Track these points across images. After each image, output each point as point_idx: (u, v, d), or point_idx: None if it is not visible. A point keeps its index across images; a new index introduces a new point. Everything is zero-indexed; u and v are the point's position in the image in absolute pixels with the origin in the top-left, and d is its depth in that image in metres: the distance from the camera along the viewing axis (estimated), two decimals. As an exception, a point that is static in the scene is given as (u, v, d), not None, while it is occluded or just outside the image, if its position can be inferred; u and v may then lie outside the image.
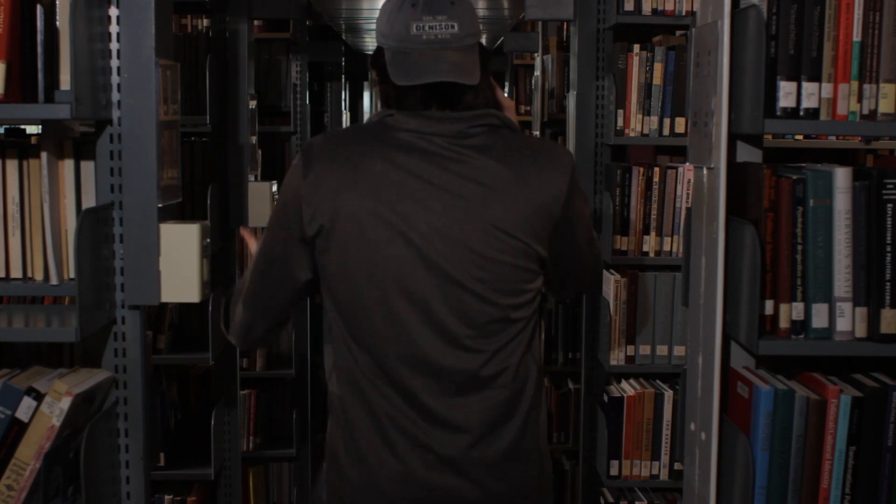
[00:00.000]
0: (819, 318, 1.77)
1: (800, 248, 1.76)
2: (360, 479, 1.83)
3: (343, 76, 6.18)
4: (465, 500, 1.80)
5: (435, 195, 1.76)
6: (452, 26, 1.79)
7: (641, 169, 3.09)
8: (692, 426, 1.95)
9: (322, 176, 1.77)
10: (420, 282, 1.76)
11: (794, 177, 1.76)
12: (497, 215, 1.77)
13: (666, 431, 3.11)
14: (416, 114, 1.80)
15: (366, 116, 8.33)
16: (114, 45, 1.94)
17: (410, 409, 1.78)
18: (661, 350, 3.13)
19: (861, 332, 1.77)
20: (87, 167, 2.00)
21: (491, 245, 1.77)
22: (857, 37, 1.74)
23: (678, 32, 3.31)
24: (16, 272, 2.02)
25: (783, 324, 1.77)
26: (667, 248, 3.11)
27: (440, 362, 1.77)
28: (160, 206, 1.99)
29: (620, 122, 3.12)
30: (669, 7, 3.06)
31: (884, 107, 1.74)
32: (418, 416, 1.78)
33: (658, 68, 3.09)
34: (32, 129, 2.82)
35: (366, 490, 1.82)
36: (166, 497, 3.34)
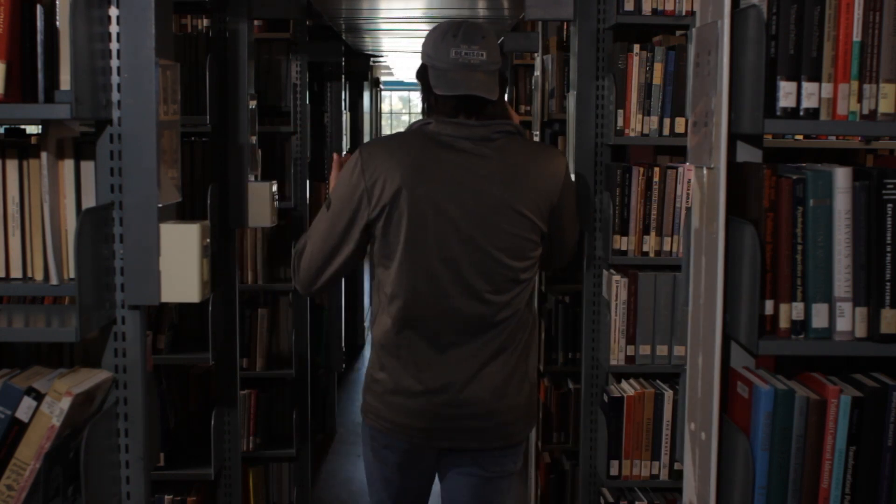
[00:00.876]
0: (819, 318, 1.77)
1: (800, 248, 1.76)
2: (400, 400, 2.44)
3: (343, 76, 6.18)
4: (474, 412, 2.43)
5: (466, 185, 2.38)
6: (482, 55, 2.40)
7: (641, 169, 3.09)
8: (692, 426, 1.95)
9: (379, 172, 2.36)
10: (454, 249, 2.37)
11: (794, 177, 1.76)
12: (512, 200, 2.39)
13: (666, 431, 3.11)
14: (449, 122, 2.40)
15: (366, 116, 8.35)
16: (114, 45, 1.95)
17: (431, 348, 2.42)
18: (661, 350, 3.13)
19: (861, 332, 1.77)
20: (87, 167, 2.00)
21: (508, 222, 2.39)
22: (857, 37, 1.74)
23: (678, 32, 3.31)
24: (16, 272, 2.02)
25: (783, 324, 1.77)
26: (667, 248, 3.11)
27: (463, 310, 2.40)
28: (160, 206, 1.99)
29: (620, 122, 3.12)
30: (669, 7, 3.06)
31: (884, 107, 1.74)
32: (437, 352, 2.41)
33: (658, 68, 3.09)
34: (32, 129, 2.82)
35: (405, 408, 2.44)
36: (166, 497, 3.34)
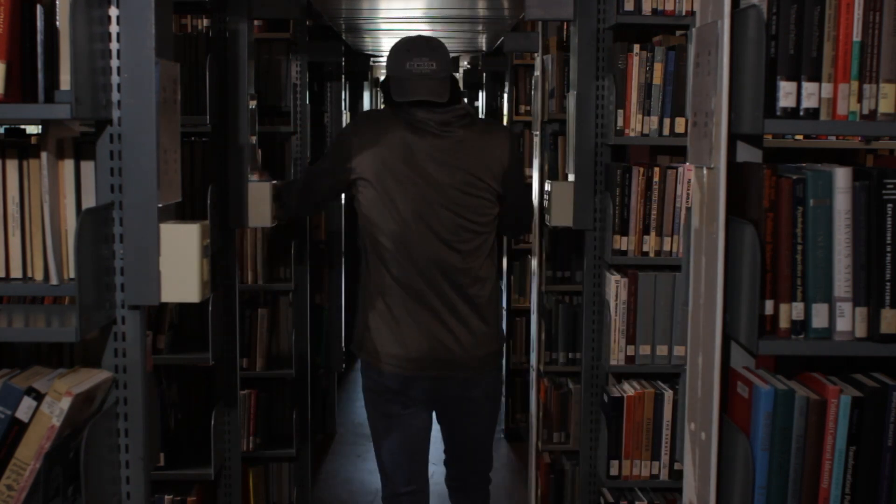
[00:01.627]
0: (819, 318, 1.77)
1: (800, 248, 1.76)
2: (390, 348, 2.91)
3: (343, 76, 6.18)
4: (453, 348, 2.92)
5: (433, 156, 2.90)
6: (432, 65, 2.90)
7: (641, 169, 3.09)
8: (692, 426, 1.95)
9: (365, 140, 2.90)
10: (427, 208, 2.89)
11: (794, 177, 1.76)
12: (470, 167, 2.92)
13: (666, 431, 3.11)
14: (418, 110, 2.90)
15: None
16: (114, 45, 1.94)
17: (411, 294, 2.90)
18: (661, 350, 3.13)
19: (861, 332, 1.77)
20: (87, 167, 2.00)
21: (468, 185, 2.91)
22: (857, 37, 1.74)
23: (678, 32, 3.31)
24: (16, 272, 2.02)
25: (783, 324, 1.77)
26: (667, 248, 3.11)
27: (436, 256, 2.90)
28: (160, 206, 1.99)
29: (620, 122, 3.12)
30: (669, 7, 3.06)
31: (884, 107, 1.74)
32: (417, 297, 2.89)
33: (658, 68, 3.09)
34: (32, 129, 2.82)
35: (395, 356, 2.91)
36: (166, 497, 3.34)
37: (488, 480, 3.22)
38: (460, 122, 2.94)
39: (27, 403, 1.84)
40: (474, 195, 2.92)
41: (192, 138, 3.33)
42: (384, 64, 9.38)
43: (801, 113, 1.75)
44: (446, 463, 3.21)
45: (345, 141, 2.96)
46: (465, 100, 3.19)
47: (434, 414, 3.08)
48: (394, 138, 2.88)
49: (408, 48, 2.91)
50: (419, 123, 2.89)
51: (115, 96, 1.95)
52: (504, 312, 5.75)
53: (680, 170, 3.10)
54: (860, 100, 1.75)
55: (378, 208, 2.89)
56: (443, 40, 3.08)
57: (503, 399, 5.82)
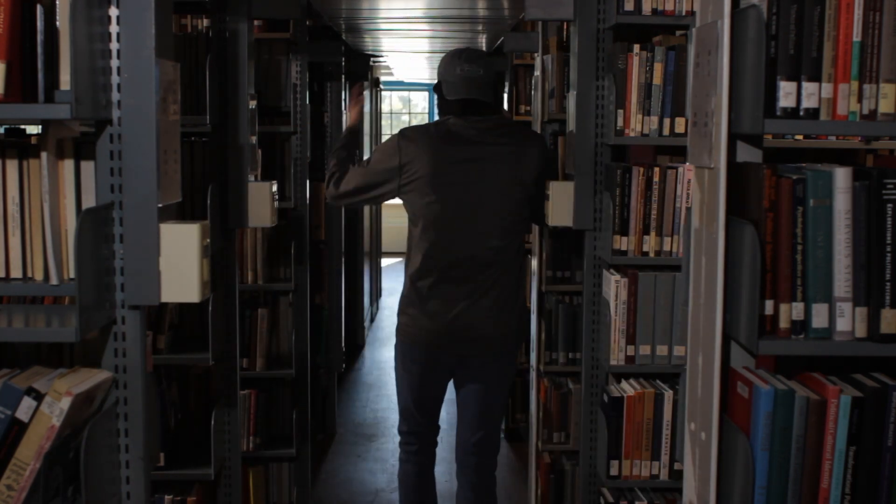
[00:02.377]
0: (819, 318, 1.77)
1: (800, 248, 1.76)
2: (423, 321, 3.32)
3: (343, 76, 6.18)
4: (476, 328, 3.31)
5: (478, 162, 3.29)
6: (479, 71, 3.33)
7: (641, 169, 3.09)
8: (692, 426, 1.95)
9: (414, 151, 3.27)
10: (471, 208, 3.27)
11: (794, 177, 1.76)
12: (507, 173, 3.29)
13: (666, 431, 3.11)
14: (462, 119, 3.32)
15: (366, 116, 8.36)
16: (114, 45, 1.94)
17: (447, 284, 3.30)
18: (661, 350, 3.13)
19: (861, 332, 1.77)
20: (87, 167, 2.00)
21: (509, 189, 3.29)
22: (857, 37, 1.74)
23: (678, 32, 3.31)
24: (16, 272, 2.02)
25: (783, 324, 1.77)
26: (667, 248, 3.11)
27: (473, 249, 3.28)
28: (160, 206, 1.99)
29: (620, 122, 3.12)
30: (669, 7, 3.06)
31: (884, 107, 1.74)
32: (453, 288, 3.30)
33: (658, 68, 3.09)
34: (32, 129, 2.82)
35: (426, 327, 3.32)
36: (166, 497, 3.34)
37: (494, 464, 3.55)
38: (499, 130, 3.32)
39: (27, 403, 1.84)
40: (509, 198, 3.29)
41: (192, 138, 3.33)
42: (384, 64, 9.42)
43: (801, 113, 1.75)
44: (458, 432, 3.53)
45: (393, 150, 3.30)
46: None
47: (452, 381, 3.50)
48: (441, 146, 3.28)
49: (459, 55, 3.35)
50: (463, 132, 3.30)
51: (115, 96, 1.95)
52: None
53: (680, 170, 3.10)
54: (860, 100, 1.75)
55: (426, 208, 3.28)
56: (443, 40, 3.20)
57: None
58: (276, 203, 3.36)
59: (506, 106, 5.82)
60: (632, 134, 3.12)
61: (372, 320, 8.91)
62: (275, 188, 3.35)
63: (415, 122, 8.86)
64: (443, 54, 3.51)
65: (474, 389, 3.43)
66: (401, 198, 3.34)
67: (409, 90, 13.57)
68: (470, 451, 3.49)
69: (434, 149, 3.26)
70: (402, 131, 3.35)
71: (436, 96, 3.50)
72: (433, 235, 3.28)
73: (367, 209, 8.40)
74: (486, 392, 3.43)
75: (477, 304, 3.29)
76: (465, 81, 3.30)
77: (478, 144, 3.28)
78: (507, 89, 5.81)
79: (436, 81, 3.47)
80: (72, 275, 1.98)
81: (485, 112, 3.33)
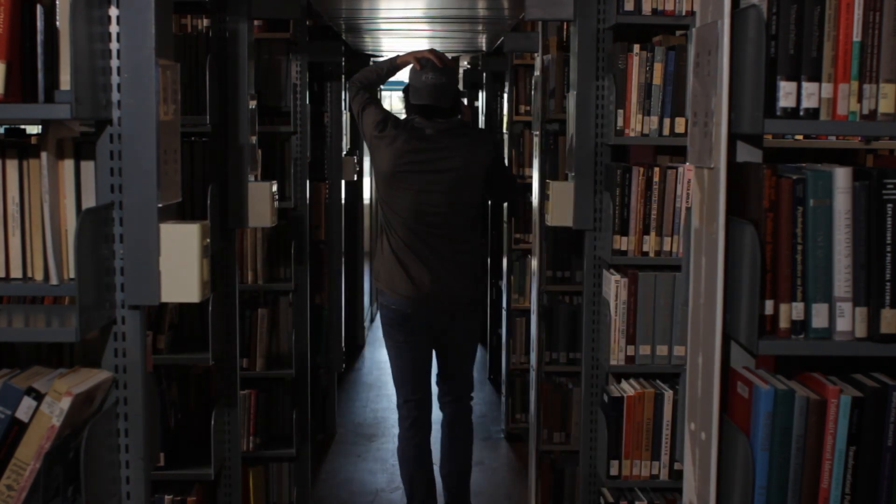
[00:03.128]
0: (819, 318, 1.77)
1: (800, 248, 1.76)
2: (399, 286, 3.95)
3: (343, 76, 6.18)
4: (441, 292, 3.94)
5: (435, 156, 3.92)
6: (442, 79, 3.92)
7: (641, 169, 3.09)
8: (692, 426, 1.95)
9: (392, 129, 3.95)
10: (429, 193, 3.91)
11: (794, 177, 1.76)
12: (465, 164, 3.94)
13: (666, 431, 3.11)
14: (429, 119, 3.96)
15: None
16: (114, 45, 1.94)
17: (415, 258, 3.92)
18: (661, 350, 3.13)
19: (861, 332, 1.77)
20: (87, 167, 2.00)
21: (464, 178, 3.94)
22: (857, 37, 1.74)
23: (678, 32, 3.30)
24: (16, 272, 2.02)
25: (783, 324, 1.77)
26: (667, 248, 3.11)
27: (433, 226, 3.92)
28: (160, 206, 1.99)
29: (620, 122, 3.12)
30: (669, 7, 3.06)
31: (884, 107, 1.74)
32: (419, 260, 3.92)
33: (658, 68, 3.09)
34: (32, 129, 2.82)
35: (402, 286, 3.94)
36: (166, 497, 3.34)
37: (470, 398, 4.23)
38: (456, 130, 4.01)
39: (27, 403, 1.84)
40: (463, 184, 3.95)
41: (192, 138, 3.33)
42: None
43: (801, 113, 1.75)
44: (438, 382, 4.20)
45: (385, 114, 4.03)
46: (466, 100, 4.43)
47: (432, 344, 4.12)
48: (407, 139, 3.93)
49: (423, 65, 3.95)
50: (425, 129, 3.95)
51: (115, 96, 1.95)
52: (504, 312, 5.76)
53: (680, 170, 3.10)
54: (860, 100, 1.75)
55: (392, 190, 3.94)
56: (443, 40, 3.21)
57: (503, 398, 5.83)
58: (276, 203, 3.36)
59: (505, 107, 5.84)
60: (632, 134, 3.12)
61: (372, 320, 8.90)
62: (275, 188, 3.35)
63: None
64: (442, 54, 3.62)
65: (446, 347, 4.12)
66: (369, 146, 4.06)
67: (409, 90, 13.58)
68: (449, 399, 4.19)
69: (403, 136, 3.94)
70: (389, 114, 4.04)
71: (403, 97, 4.09)
72: (400, 213, 3.94)
73: (367, 210, 8.41)
74: (456, 349, 4.12)
75: (442, 272, 3.95)
76: (428, 89, 3.90)
77: (435, 140, 3.94)
78: (507, 89, 5.82)
79: (406, 86, 4.06)
80: (72, 275, 1.98)
81: (448, 114, 3.97)
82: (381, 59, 4.38)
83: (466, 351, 4.15)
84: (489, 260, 6.72)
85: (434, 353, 4.14)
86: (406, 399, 4.11)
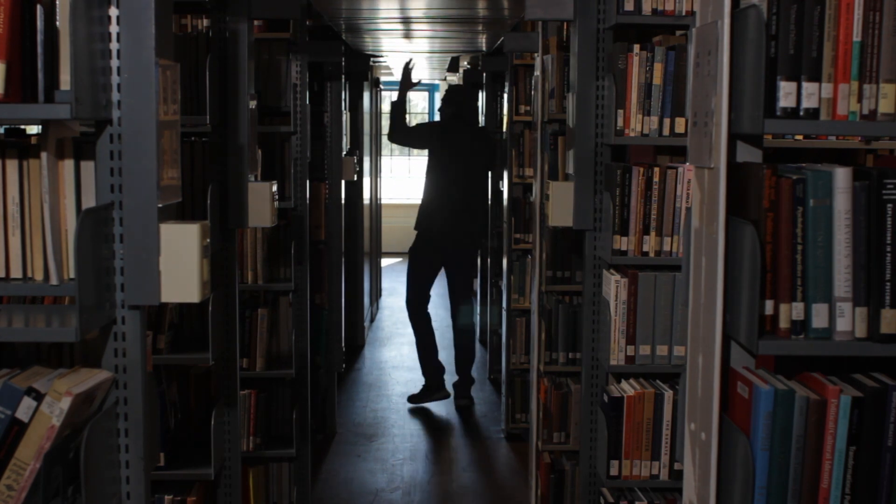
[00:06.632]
0: (819, 318, 1.77)
1: (800, 248, 1.76)
2: (434, 222, 6.33)
3: (343, 76, 6.18)
4: (455, 232, 6.33)
5: (461, 144, 6.31)
6: (463, 102, 6.53)
7: (641, 169, 3.09)
8: (692, 426, 1.95)
9: (432, 132, 6.47)
10: (458, 173, 6.28)
11: (794, 177, 1.76)
12: (476, 151, 6.38)
13: (666, 431, 3.11)
14: (456, 122, 6.44)
15: (366, 116, 8.41)
16: (114, 45, 1.94)
17: (444, 211, 6.29)
18: (661, 350, 3.13)
19: (861, 332, 1.77)
20: (87, 167, 2.00)
21: (475, 160, 6.38)
22: (857, 37, 1.74)
23: (678, 32, 3.31)
24: (16, 272, 2.02)
25: (783, 324, 1.77)
26: (667, 248, 3.11)
27: (461, 188, 6.29)
28: (160, 206, 1.99)
29: (620, 122, 3.12)
30: (669, 7, 3.06)
31: (884, 107, 1.74)
32: (447, 213, 6.29)
33: (658, 68, 3.09)
34: (32, 129, 2.82)
35: (435, 225, 6.32)
36: (166, 497, 3.33)
37: (472, 300, 6.62)
38: (472, 131, 6.43)
39: (27, 403, 1.84)
40: (474, 165, 6.32)
41: (192, 138, 3.33)
42: (384, 64, 9.46)
43: (801, 113, 1.75)
44: (451, 298, 6.49)
45: (427, 129, 6.67)
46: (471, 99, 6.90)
47: (444, 270, 6.45)
48: (442, 134, 6.28)
49: (460, 90, 6.61)
50: (455, 130, 6.30)
51: (115, 96, 1.95)
52: (504, 312, 5.76)
53: (680, 170, 3.10)
54: (860, 100, 1.75)
55: (436, 163, 6.28)
56: (443, 40, 3.22)
57: (503, 399, 5.84)
58: (276, 203, 3.36)
59: (505, 107, 5.88)
60: (632, 134, 3.12)
61: (372, 320, 8.91)
62: (275, 188, 3.35)
63: (415, 122, 9.12)
64: (443, 54, 3.75)
65: (453, 271, 6.40)
66: (428, 147, 6.42)
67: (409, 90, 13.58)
68: (455, 313, 6.48)
69: (438, 137, 6.32)
70: (428, 122, 6.24)
71: (438, 106, 6.56)
72: (440, 178, 6.23)
73: (366, 211, 8.42)
74: (460, 272, 6.42)
75: (462, 219, 6.22)
76: (457, 107, 6.38)
77: (459, 137, 6.27)
78: (507, 89, 5.83)
79: (441, 101, 6.53)
80: (72, 275, 1.98)
81: (468, 122, 6.46)
82: (393, 96, 6.72)
83: (467, 273, 6.50)
84: (489, 259, 7.12)
85: (446, 277, 6.46)
86: (412, 299, 6.39)
